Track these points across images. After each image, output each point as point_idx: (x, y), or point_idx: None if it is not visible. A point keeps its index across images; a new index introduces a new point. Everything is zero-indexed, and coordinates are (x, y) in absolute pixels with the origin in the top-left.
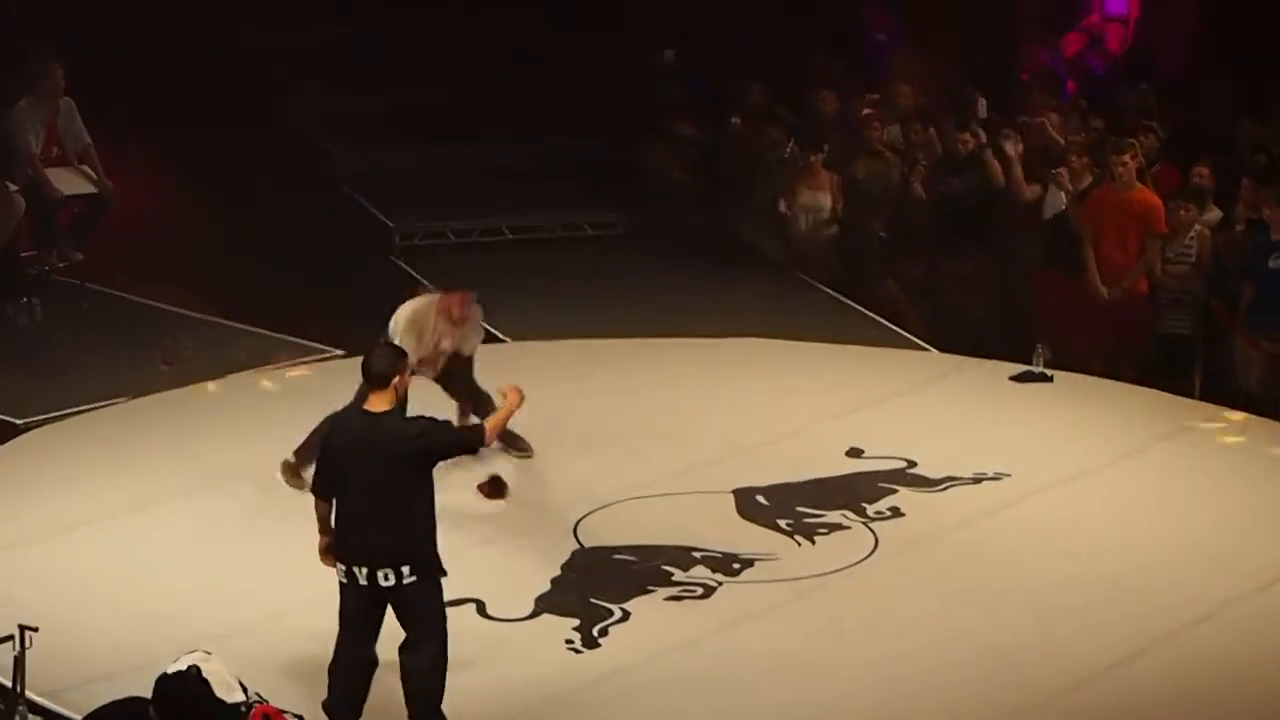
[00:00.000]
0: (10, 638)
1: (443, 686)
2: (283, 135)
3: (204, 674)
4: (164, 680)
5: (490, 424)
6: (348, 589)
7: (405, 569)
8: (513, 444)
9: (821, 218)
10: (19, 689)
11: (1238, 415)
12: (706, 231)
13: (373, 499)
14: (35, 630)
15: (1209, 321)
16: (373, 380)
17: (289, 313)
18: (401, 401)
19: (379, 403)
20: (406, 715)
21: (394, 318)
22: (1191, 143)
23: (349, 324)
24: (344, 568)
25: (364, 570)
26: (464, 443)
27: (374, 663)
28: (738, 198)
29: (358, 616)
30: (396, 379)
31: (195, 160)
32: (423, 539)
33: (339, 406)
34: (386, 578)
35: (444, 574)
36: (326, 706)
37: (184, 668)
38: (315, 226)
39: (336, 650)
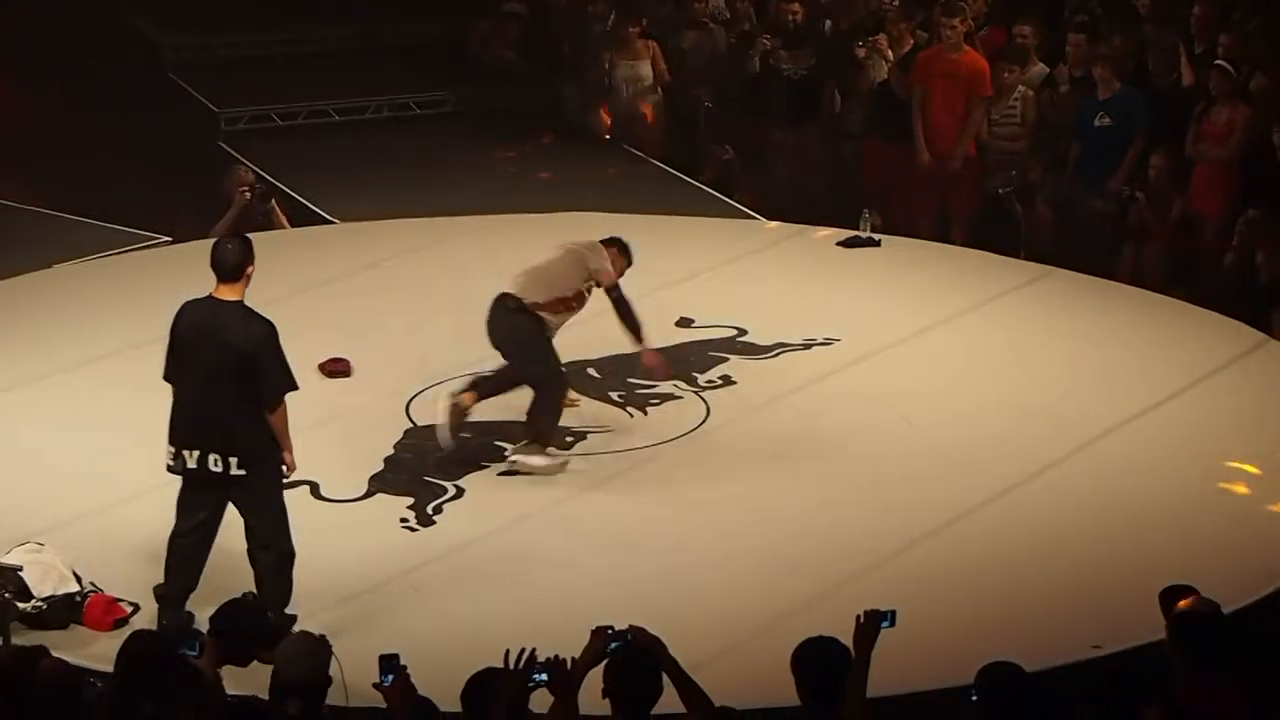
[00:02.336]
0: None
1: (289, 588)
2: (106, 22)
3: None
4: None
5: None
6: (178, 473)
7: (234, 460)
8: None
9: (643, 87)
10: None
11: (1064, 274)
12: (535, 108)
13: (206, 384)
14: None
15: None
16: (224, 273)
17: (115, 201)
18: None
19: (229, 292)
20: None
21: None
22: (1017, 2)
23: (176, 211)
24: (173, 450)
25: (194, 454)
26: (280, 382)
27: (205, 547)
28: (565, 73)
29: (187, 502)
30: (249, 269)
31: (15, 48)
32: (255, 434)
33: (169, 292)
34: (215, 464)
35: (282, 473)
36: (157, 591)
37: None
38: (140, 113)
39: (170, 537)
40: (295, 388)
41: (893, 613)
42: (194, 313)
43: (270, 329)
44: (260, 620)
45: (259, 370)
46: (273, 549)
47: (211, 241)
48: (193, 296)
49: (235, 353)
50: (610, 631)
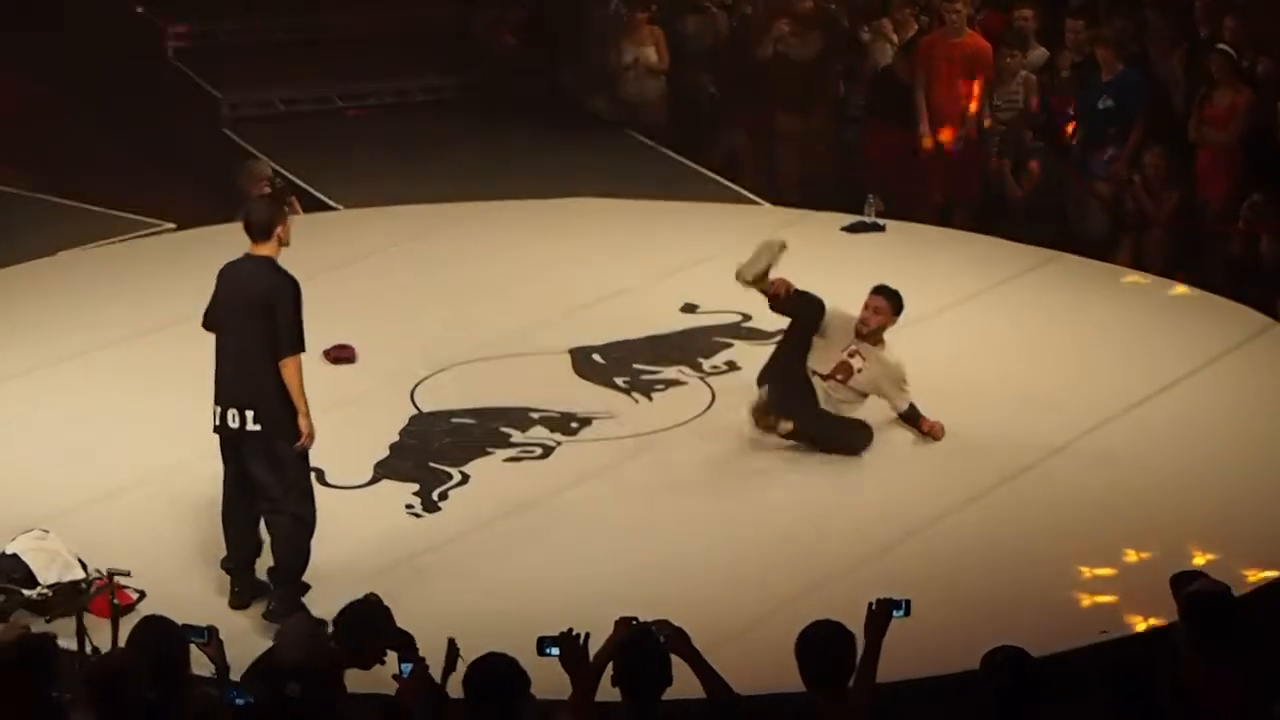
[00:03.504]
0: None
1: (299, 559)
2: (107, 8)
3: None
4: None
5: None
6: (217, 432)
7: (249, 414)
8: None
9: (646, 72)
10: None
11: (1069, 259)
12: (538, 94)
13: (233, 339)
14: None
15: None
16: (253, 231)
17: (119, 187)
18: (285, 244)
19: (260, 249)
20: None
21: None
22: None
23: (181, 197)
24: (215, 407)
25: (219, 410)
26: (291, 334)
27: (251, 521)
28: (568, 58)
29: (228, 463)
30: (279, 229)
31: (17, 35)
32: (276, 391)
33: (173, 279)
34: (233, 419)
35: (295, 438)
36: (224, 565)
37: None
38: (143, 100)
39: (222, 507)
40: (301, 348)
41: (907, 602)
42: (228, 268)
43: (291, 281)
44: (386, 620)
45: (276, 319)
46: (284, 512)
47: (218, 228)
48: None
49: (256, 301)
50: (635, 622)
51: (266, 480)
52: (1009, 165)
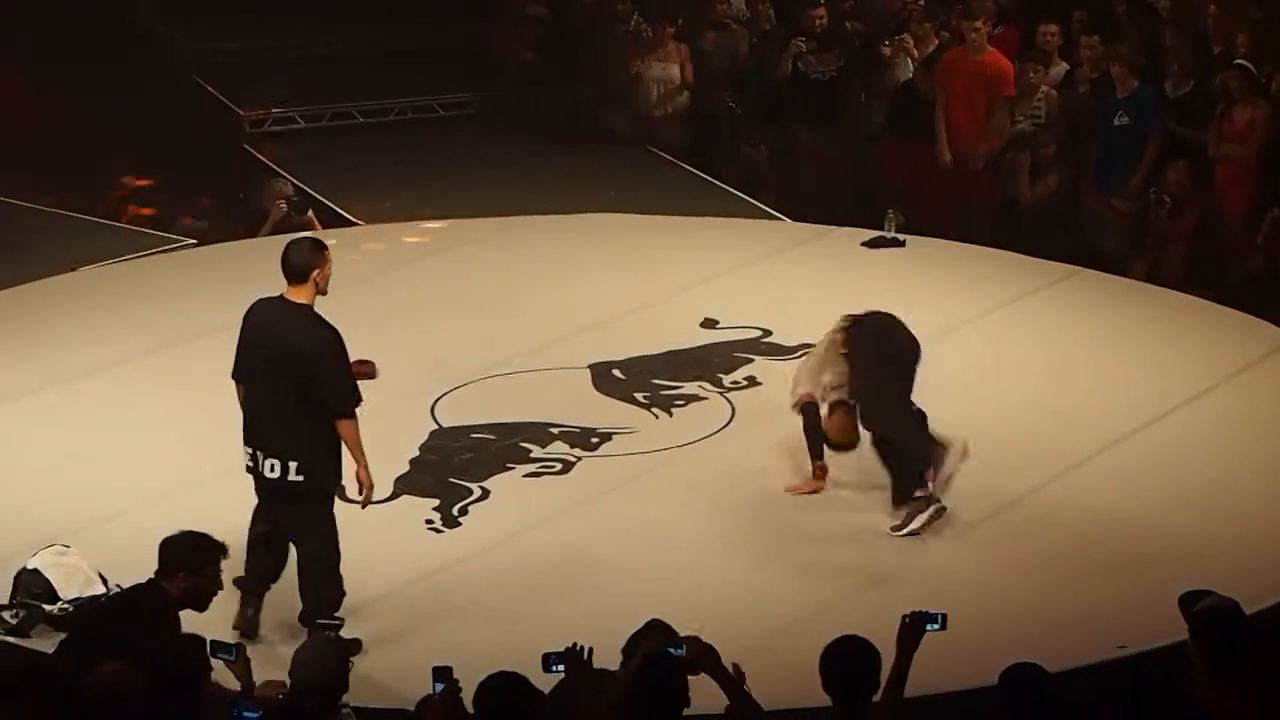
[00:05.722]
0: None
1: (328, 600)
2: (127, 23)
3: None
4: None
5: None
6: (251, 471)
7: (292, 465)
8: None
9: (671, 88)
10: None
11: (1089, 274)
12: (557, 109)
13: (269, 387)
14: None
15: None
16: (289, 274)
17: (140, 203)
18: (321, 293)
19: (297, 294)
20: None
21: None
22: (1031, 3)
23: (201, 213)
24: (247, 450)
25: (258, 455)
26: (344, 393)
27: (279, 546)
28: (587, 73)
29: (261, 500)
30: (315, 272)
31: (37, 49)
32: (316, 443)
33: (193, 295)
34: (273, 469)
35: (337, 489)
36: (236, 580)
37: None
38: (163, 115)
39: (249, 527)
40: (358, 401)
41: (943, 615)
42: (261, 311)
43: (332, 335)
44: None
45: (317, 378)
46: (315, 563)
47: (238, 244)
48: (264, 295)
49: (292, 356)
50: (659, 624)
51: (296, 527)
52: (1027, 162)
